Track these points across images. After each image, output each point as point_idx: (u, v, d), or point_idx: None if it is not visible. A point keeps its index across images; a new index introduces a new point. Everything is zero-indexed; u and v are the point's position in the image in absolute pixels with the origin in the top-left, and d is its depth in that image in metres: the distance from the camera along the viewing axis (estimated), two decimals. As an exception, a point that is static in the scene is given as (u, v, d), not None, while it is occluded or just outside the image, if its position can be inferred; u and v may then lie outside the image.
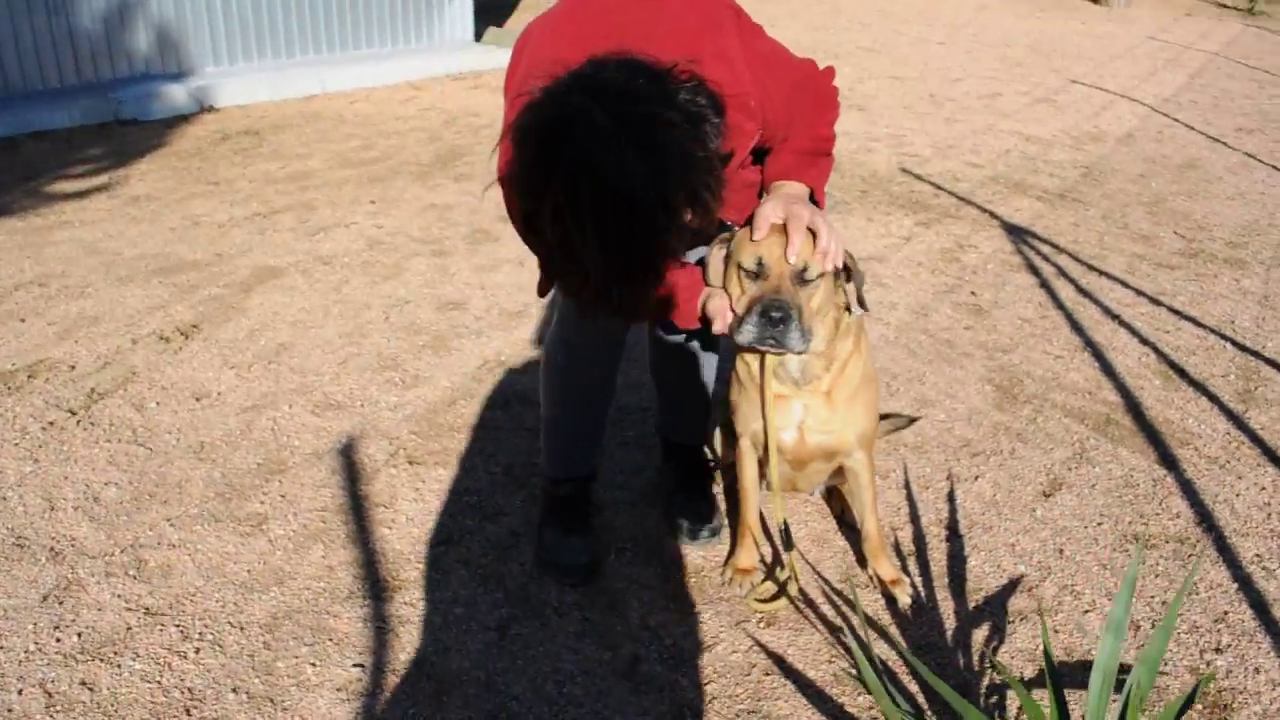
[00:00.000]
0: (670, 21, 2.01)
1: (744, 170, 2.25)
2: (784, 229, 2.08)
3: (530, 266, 4.46)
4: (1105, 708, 1.78)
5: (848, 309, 2.29)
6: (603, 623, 2.43)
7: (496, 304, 4.14)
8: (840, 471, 2.58)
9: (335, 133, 6.42)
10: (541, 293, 2.50)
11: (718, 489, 2.95)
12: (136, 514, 2.71)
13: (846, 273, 2.22)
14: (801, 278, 2.10)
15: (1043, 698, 2.26)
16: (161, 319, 3.81)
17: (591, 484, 2.77)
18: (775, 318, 2.04)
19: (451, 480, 2.94)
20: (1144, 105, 8.79)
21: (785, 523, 2.44)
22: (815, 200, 2.25)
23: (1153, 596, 2.63)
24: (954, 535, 2.84)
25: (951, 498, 3.01)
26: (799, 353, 2.14)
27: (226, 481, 2.87)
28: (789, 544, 2.45)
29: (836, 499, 2.90)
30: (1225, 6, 15.39)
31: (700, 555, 2.70)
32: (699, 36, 2.01)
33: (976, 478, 3.12)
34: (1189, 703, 1.81)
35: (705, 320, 2.32)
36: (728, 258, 2.22)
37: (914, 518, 2.90)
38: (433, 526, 2.73)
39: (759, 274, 2.11)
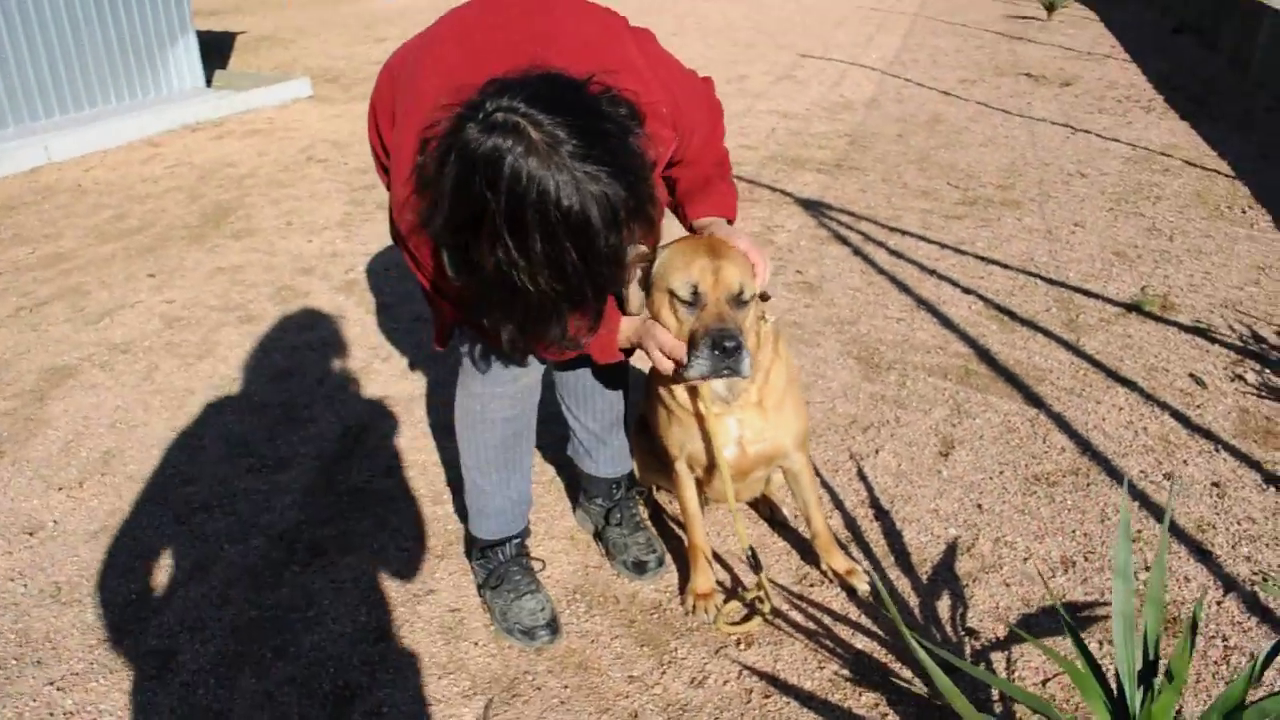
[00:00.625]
0: (568, 35, 1.88)
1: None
2: (708, 253, 2.03)
3: (355, 315, 4.16)
4: (1134, 655, 1.82)
5: (762, 317, 2.25)
6: (584, 685, 2.27)
7: (333, 365, 3.82)
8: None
9: (79, 205, 5.75)
10: (440, 343, 2.30)
11: (644, 513, 2.84)
12: (8, 686, 2.27)
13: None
14: (738, 300, 2.04)
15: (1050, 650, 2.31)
16: (-56, 451, 3.24)
17: (528, 538, 2.59)
18: (729, 348, 1.96)
19: (365, 566, 2.67)
20: (875, 70, 9.36)
21: (751, 547, 2.39)
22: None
23: (1073, 530, 2.76)
24: (880, 513, 2.87)
25: (863, 476, 3.05)
26: (747, 376, 2.07)
27: (105, 623, 2.46)
28: (757, 565, 2.39)
29: (763, 503, 2.86)
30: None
31: (653, 589, 2.58)
32: (602, 48, 1.89)
33: (877, 451, 3.18)
34: (1193, 636, 1.89)
35: (626, 352, 2.21)
36: (649, 285, 2.11)
37: (837, 504, 2.91)
38: (364, 622, 2.46)
39: (694, 302, 2.03)
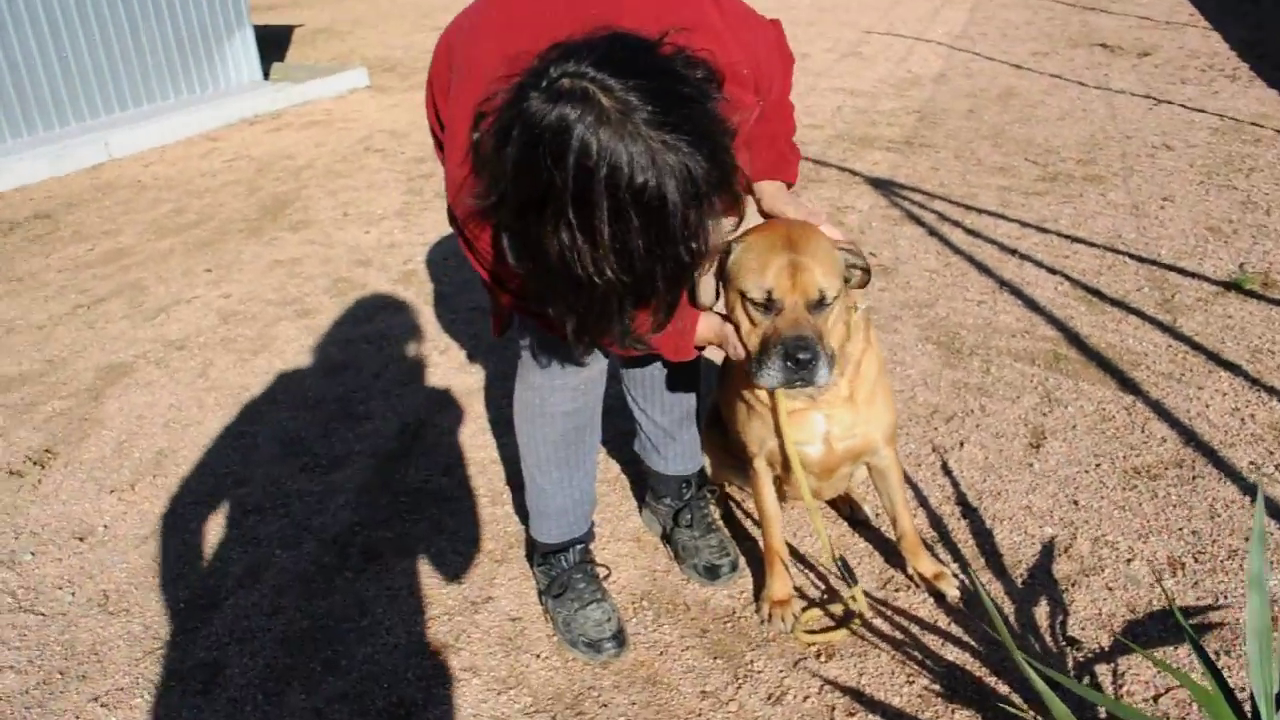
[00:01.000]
0: None
1: None
2: (786, 248, 1.86)
3: (414, 306, 4.06)
4: (1272, 677, 1.62)
5: (853, 305, 2.08)
6: (653, 702, 2.12)
7: (391, 358, 3.72)
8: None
9: (139, 201, 5.74)
10: (497, 332, 2.17)
11: (716, 513, 2.69)
12: (51, 702, 2.20)
13: (860, 273, 2.02)
14: (819, 304, 1.88)
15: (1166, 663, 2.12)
16: (3, 450, 3.20)
17: (593, 543, 2.46)
18: (803, 360, 1.81)
19: (420, 571, 2.55)
20: (942, 45, 9.04)
21: (841, 558, 2.23)
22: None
23: (1180, 528, 2.55)
24: (968, 510, 2.68)
25: (947, 470, 2.85)
26: (822, 385, 1.93)
27: (152, 634, 2.38)
28: (850, 576, 2.23)
29: (843, 501, 2.69)
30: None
31: (726, 595, 2.42)
32: (674, 5, 1.73)
33: (961, 444, 2.98)
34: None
35: (699, 349, 2.06)
36: (724, 279, 1.96)
37: (922, 501, 2.73)
38: (419, 633, 2.34)
39: (769, 307, 1.87)
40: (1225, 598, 2.30)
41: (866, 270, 2.01)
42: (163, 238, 5.10)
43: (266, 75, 8.22)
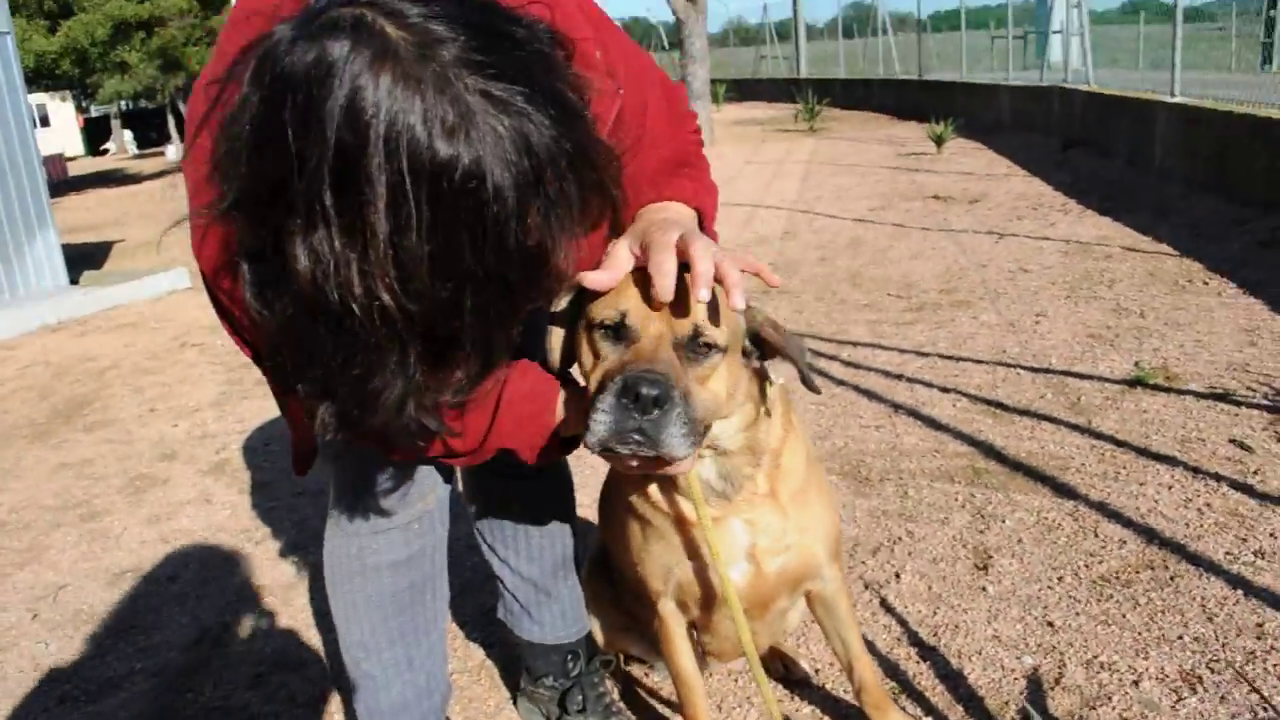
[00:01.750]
0: None
1: None
2: (646, 271, 1.31)
3: (226, 498, 3.38)
4: None
5: (766, 378, 1.57)
6: None
7: (193, 556, 3.02)
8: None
9: (-101, 417, 4.89)
10: (300, 466, 1.59)
11: (614, 691, 2.07)
12: None
13: (757, 342, 1.48)
14: (694, 344, 1.33)
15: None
16: None
17: None
18: (644, 396, 1.23)
19: (212, 825, 1.83)
20: (782, 209, 9.14)
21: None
22: (704, 229, 1.52)
23: (1179, 636, 2.09)
24: (926, 650, 2.16)
25: (888, 607, 2.34)
26: (681, 457, 1.31)
27: None
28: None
29: (772, 657, 2.12)
30: (787, 130, 17.10)
31: (641, 799, 1.79)
32: None
33: (897, 575, 2.49)
34: None
35: (567, 444, 1.51)
36: (578, 319, 1.44)
37: (868, 646, 2.18)
38: None
39: (620, 335, 1.35)
40: (1266, 709, 1.83)
41: (775, 327, 1.50)
42: (-80, 453, 4.27)
43: (75, 282, 7.52)
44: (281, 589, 2.74)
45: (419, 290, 0.94)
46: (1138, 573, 2.36)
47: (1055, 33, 13.43)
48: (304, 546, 3.00)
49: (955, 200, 8.42)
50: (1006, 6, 15.27)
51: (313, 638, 2.46)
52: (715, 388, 1.37)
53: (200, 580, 2.84)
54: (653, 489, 1.58)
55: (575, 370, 1.46)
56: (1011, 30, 15.28)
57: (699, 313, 1.33)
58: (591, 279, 1.32)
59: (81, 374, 5.43)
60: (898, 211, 8.17)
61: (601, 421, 1.26)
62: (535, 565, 1.87)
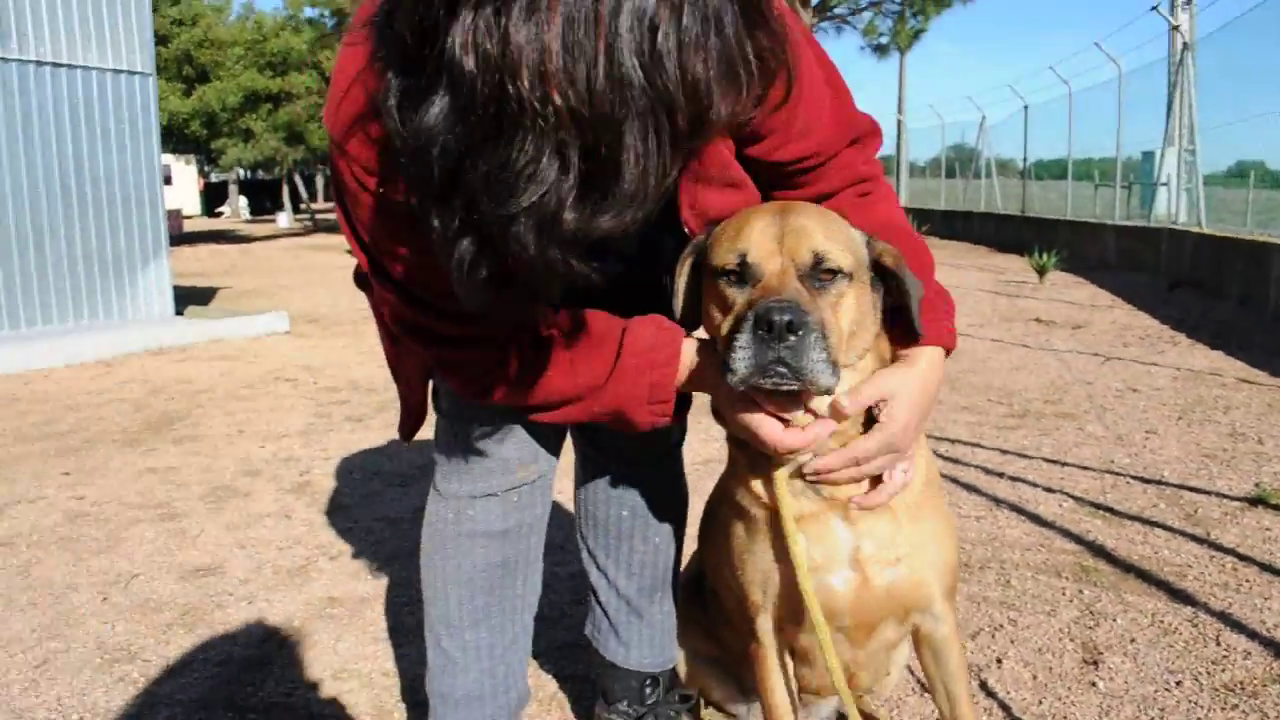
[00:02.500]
0: None
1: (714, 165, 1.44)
2: (774, 220, 1.31)
3: (305, 515, 3.35)
4: None
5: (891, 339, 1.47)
6: None
7: (267, 561, 2.98)
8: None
9: (4, 412, 5.02)
10: (408, 430, 1.55)
11: (691, 735, 1.94)
12: None
13: (891, 283, 1.42)
14: (816, 271, 1.30)
15: None
16: None
17: None
18: (779, 323, 1.19)
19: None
20: (877, 317, 9.04)
21: None
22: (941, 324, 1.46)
23: (1320, 759, 1.88)
24: (1031, 734, 1.98)
25: (989, 690, 2.18)
26: (825, 385, 1.25)
27: None
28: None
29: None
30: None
31: (716, 843, 1.65)
32: None
33: (999, 660, 2.32)
34: None
35: (681, 405, 1.44)
36: (701, 271, 1.40)
37: None
38: None
39: (745, 278, 1.31)
40: None
41: (895, 257, 1.39)
42: (19, 444, 4.36)
43: (180, 314, 7.76)
44: (354, 602, 2.67)
45: (585, 91, 0.87)
46: (1264, 685, 2.16)
47: (1163, 185, 13.29)
48: (381, 566, 2.94)
49: (1058, 325, 8.24)
50: (1115, 160, 15.15)
51: (381, 651, 2.38)
52: (845, 316, 1.33)
53: (272, 585, 2.79)
54: (757, 484, 1.48)
55: (701, 333, 1.41)
56: (1119, 181, 15.16)
57: (817, 239, 1.30)
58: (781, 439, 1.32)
59: (176, 394, 5.54)
60: (998, 329, 8.01)
61: (741, 359, 1.22)
62: (634, 581, 1.78)
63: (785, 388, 1.24)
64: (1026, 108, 19.20)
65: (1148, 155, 14.76)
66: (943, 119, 24.79)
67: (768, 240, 1.31)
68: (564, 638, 2.44)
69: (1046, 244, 13.52)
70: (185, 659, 2.32)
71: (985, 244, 18.52)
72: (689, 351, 1.39)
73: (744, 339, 1.23)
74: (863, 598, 1.48)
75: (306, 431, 4.67)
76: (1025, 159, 19.71)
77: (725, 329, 1.31)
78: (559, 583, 2.77)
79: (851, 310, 1.33)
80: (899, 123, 28.98)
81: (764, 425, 1.31)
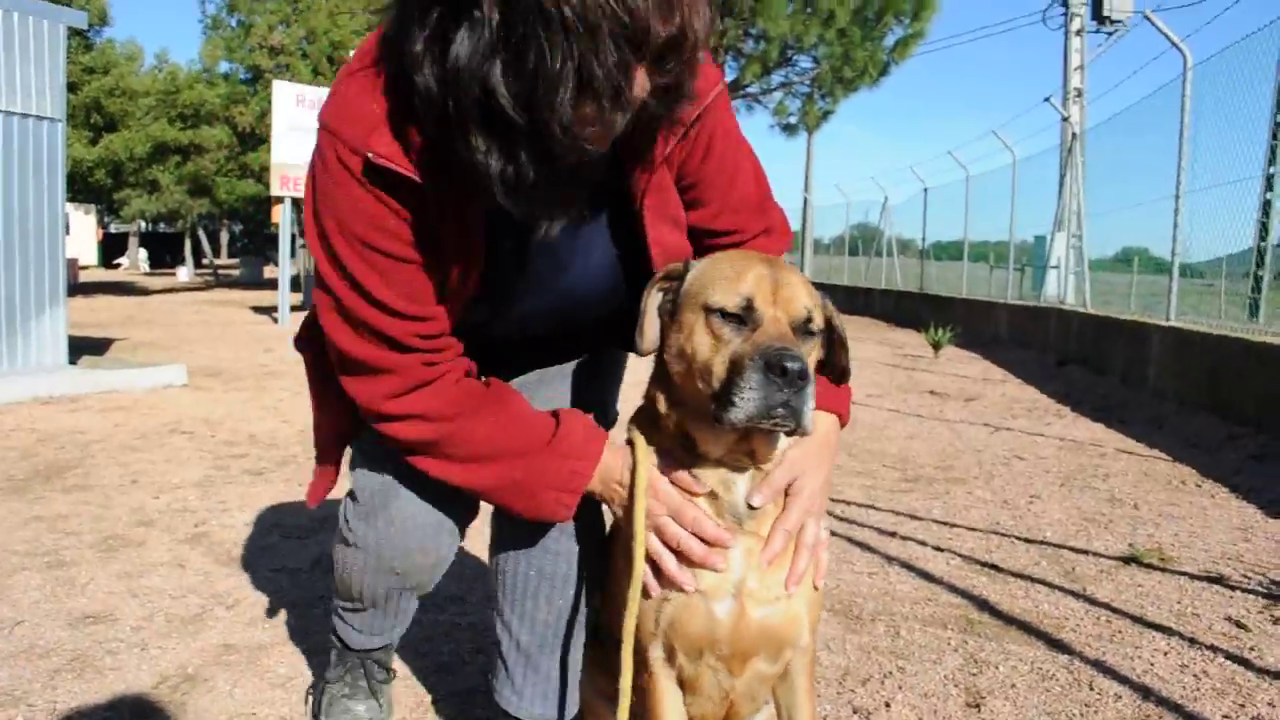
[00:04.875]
0: None
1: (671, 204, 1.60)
2: (766, 262, 1.49)
3: (201, 565, 3.29)
4: None
5: None
6: None
7: (160, 609, 2.91)
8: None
9: (-123, 460, 4.80)
10: (316, 494, 1.62)
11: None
12: None
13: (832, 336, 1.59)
14: (805, 326, 1.47)
15: None
16: None
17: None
18: (792, 370, 1.33)
19: None
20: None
21: None
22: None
23: (1179, 793, 2.01)
24: (915, 772, 2.07)
25: (876, 731, 2.26)
26: (810, 431, 1.41)
27: None
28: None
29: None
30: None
31: None
32: None
33: (887, 704, 2.41)
34: None
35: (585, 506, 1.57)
36: (678, 303, 1.52)
37: (854, 761, 2.10)
38: None
39: (744, 321, 1.44)
40: None
41: (837, 317, 1.58)
42: (-107, 493, 4.17)
43: (73, 362, 7.52)
44: (252, 649, 2.63)
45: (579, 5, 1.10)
46: (1134, 727, 2.29)
47: (1053, 268, 13.98)
48: (279, 614, 2.90)
49: (951, 397, 8.56)
50: (1008, 244, 15.90)
51: (279, 698, 2.34)
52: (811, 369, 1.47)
53: (165, 633, 2.73)
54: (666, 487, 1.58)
55: (669, 356, 1.54)
56: (1012, 263, 15.88)
57: (805, 296, 1.47)
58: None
59: (67, 443, 5.37)
60: (894, 399, 8.29)
61: (750, 399, 1.35)
62: (534, 637, 1.81)
63: (783, 427, 1.38)
64: (926, 190, 20.04)
65: (1039, 239, 15.52)
66: (848, 198, 25.71)
67: (766, 289, 1.45)
68: (463, 685, 2.45)
69: (943, 320, 14.06)
70: (74, 706, 2.26)
71: (885, 319, 19.14)
72: (607, 452, 1.52)
73: (754, 379, 1.35)
74: (739, 629, 1.57)
75: (203, 483, 4.57)
76: (924, 239, 20.53)
77: (720, 367, 1.42)
78: (459, 632, 2.78)
79: (813, 365, 1.48)
80: (805, 200, 29.89)
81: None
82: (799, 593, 1.60)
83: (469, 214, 1.41)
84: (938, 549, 3.75)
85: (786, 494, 1.58)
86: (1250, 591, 3.23)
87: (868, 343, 14.35)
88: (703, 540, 1.52)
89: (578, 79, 1.13)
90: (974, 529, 4.05)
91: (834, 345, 1.58)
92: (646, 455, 1.55)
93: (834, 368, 1.59)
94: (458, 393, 1.51)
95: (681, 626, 1.57)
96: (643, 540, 1.53)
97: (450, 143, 1.24)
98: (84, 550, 3.47)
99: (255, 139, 24.59)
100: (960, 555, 3.65)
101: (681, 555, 1.53)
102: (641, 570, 1.55)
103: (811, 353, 1.48)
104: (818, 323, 1.48)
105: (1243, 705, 2.38)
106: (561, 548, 1.78)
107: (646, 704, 1.66)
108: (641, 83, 1.20)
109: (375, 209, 1.37)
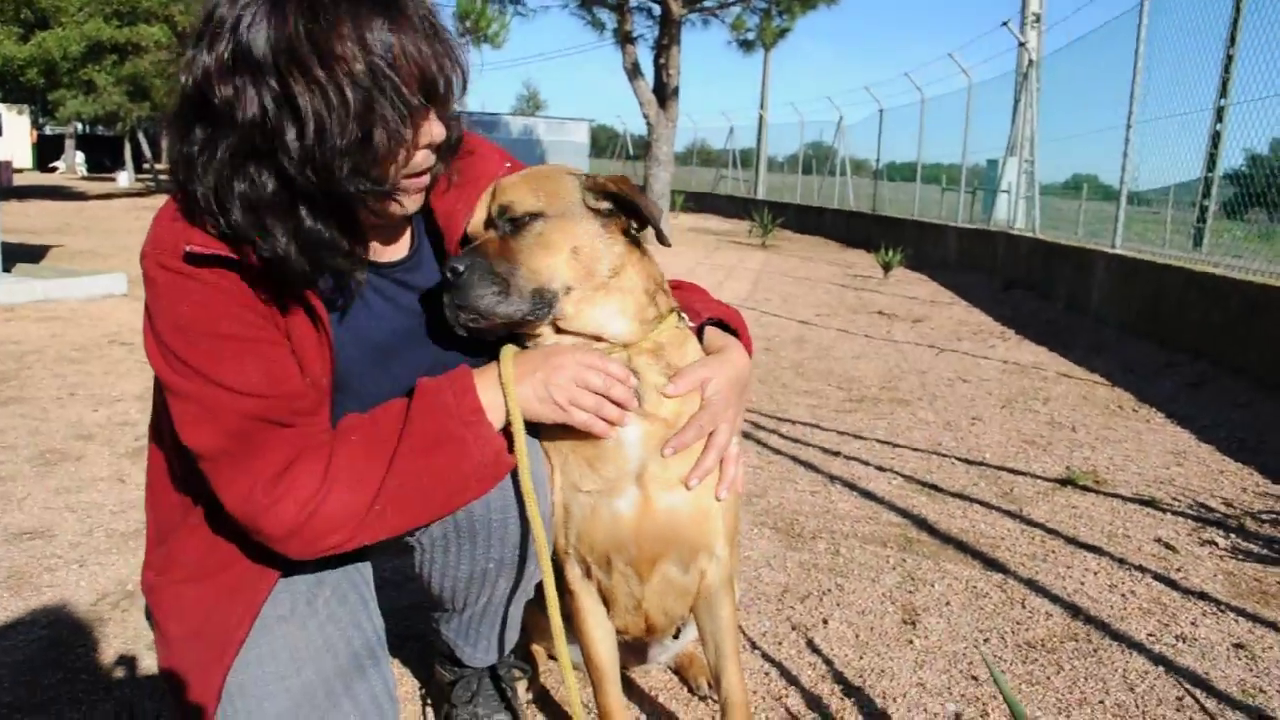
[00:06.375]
0: None
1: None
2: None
3: (142, 480, 3.25)
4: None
5: (678, 314, 1.63)
6: None
7: (100, 525, 2.88)
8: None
9: None
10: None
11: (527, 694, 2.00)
12: None
13: (633, 216, 1.57)
14: (507, 220, 1.51)
15: None
16: None
17: None
18: (453, 271, 1.46)
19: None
20: (731, 304, 9.28)
21: None
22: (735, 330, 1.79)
23: (1100, 700, 2.09)
24: (850, 689, 2.13)
25: (815, 648, 2.31)
26: (503, 314, 1.46)
27: None
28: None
29: (695, 666, 2.07)
30: (740, 243, 17.47)
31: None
32: None
33: (825, 621, 2.46)
34: None
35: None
36: None
37: (792, 680, 2.15)
38: None
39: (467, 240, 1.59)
40: (1179, 778, 1.83)
41: (622, 182, 1.55)
42: None
43: (7, 269, 7.29)
44: (190, 564, 2.61)
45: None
46: (1062, 642, 2.37)
47: (1004, 192, 14.03)
48: (218, 531, 2.88)
49: (899, 318, 8.64)
50: (960, 167, 15.90)
51: (219, 611, 2.34)
52: (547, 249, 1.50)
53: (105, 549, 2.70)
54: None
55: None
56: (964, 186, 15.91)
57: (506, 192, 1.52)
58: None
59: (2, 354, 5.23)
60: (843, 319, 8.35)
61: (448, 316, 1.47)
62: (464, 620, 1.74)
63: (472, 325, 1.48)
64: (882, 111, 19.92)
65: (992, 163, 15.53)
66: (803, 117, 25.48)
67: (480, 210, 1.56)
68: (408, 599, 2.45)
69: (893, 242, 14.12)
70: (11, 622, 2.24)
71: (837, 239, 19.17)
72: (487, 368, 1.48)
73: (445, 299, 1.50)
74: (644, 521, 1.53)
75: (144, 396, 4.49)
76: (878, 160, 20.47)
77: None
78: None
79: (558, 244, 1.50)
80: (760, 117, 29.60)
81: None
82: (707, 492, 1.56)
83: (304, 298, 1.39)
84: (880, 468, 3.81)
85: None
86: (1180, 514, 3.33)
87: (818, 262, 14.41)
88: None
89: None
90: (916, 449, 4.12)
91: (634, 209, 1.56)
92: (510, 353, 1.49)
93: (643, 221, 1.58)
94: (326, 439, 1.41)
95: (588, 535, 1.56)
96: (522, 430, 1.44)
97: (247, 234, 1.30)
98: (20, 465, 3.40)
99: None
100: (902, 475, 3.72)
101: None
102: (526, 455, 1.45)
103: (529, 240, 1.49)
104: (519, 210, 1.49)
105: (1167, 625, 2.48)
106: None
107: (576, 629, 1.66)
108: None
109: (211, 296, 1.33)
